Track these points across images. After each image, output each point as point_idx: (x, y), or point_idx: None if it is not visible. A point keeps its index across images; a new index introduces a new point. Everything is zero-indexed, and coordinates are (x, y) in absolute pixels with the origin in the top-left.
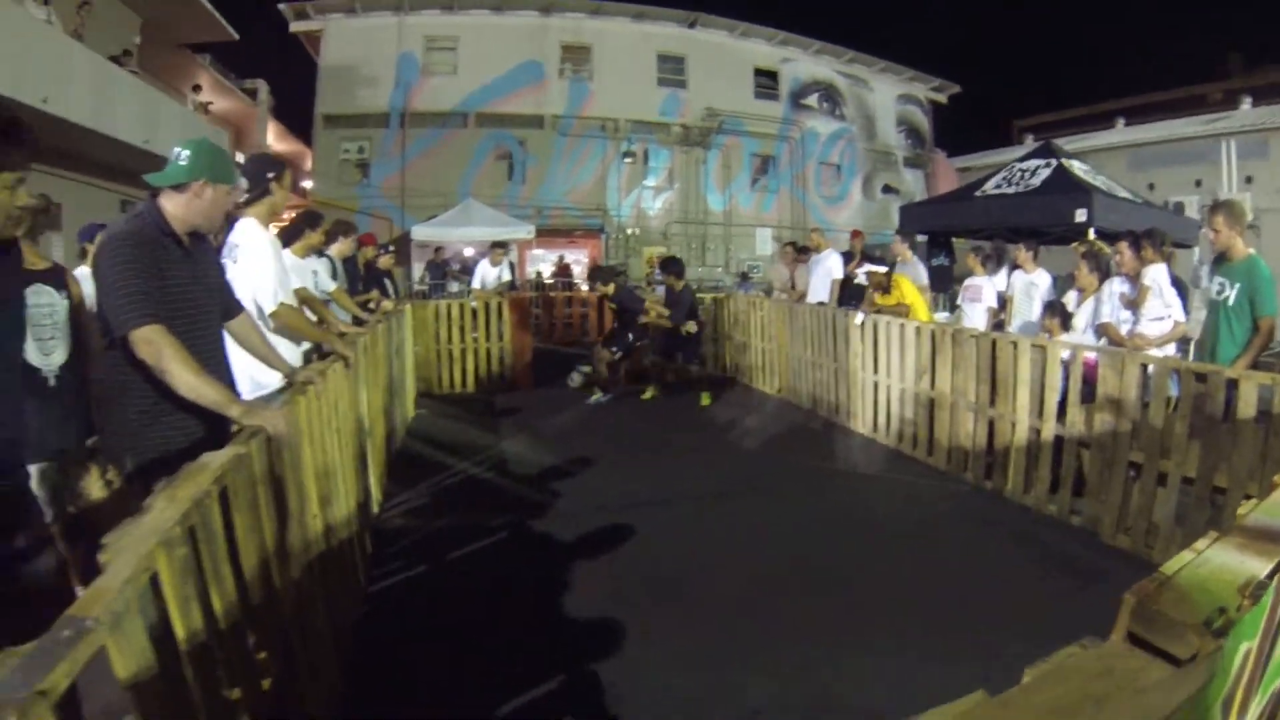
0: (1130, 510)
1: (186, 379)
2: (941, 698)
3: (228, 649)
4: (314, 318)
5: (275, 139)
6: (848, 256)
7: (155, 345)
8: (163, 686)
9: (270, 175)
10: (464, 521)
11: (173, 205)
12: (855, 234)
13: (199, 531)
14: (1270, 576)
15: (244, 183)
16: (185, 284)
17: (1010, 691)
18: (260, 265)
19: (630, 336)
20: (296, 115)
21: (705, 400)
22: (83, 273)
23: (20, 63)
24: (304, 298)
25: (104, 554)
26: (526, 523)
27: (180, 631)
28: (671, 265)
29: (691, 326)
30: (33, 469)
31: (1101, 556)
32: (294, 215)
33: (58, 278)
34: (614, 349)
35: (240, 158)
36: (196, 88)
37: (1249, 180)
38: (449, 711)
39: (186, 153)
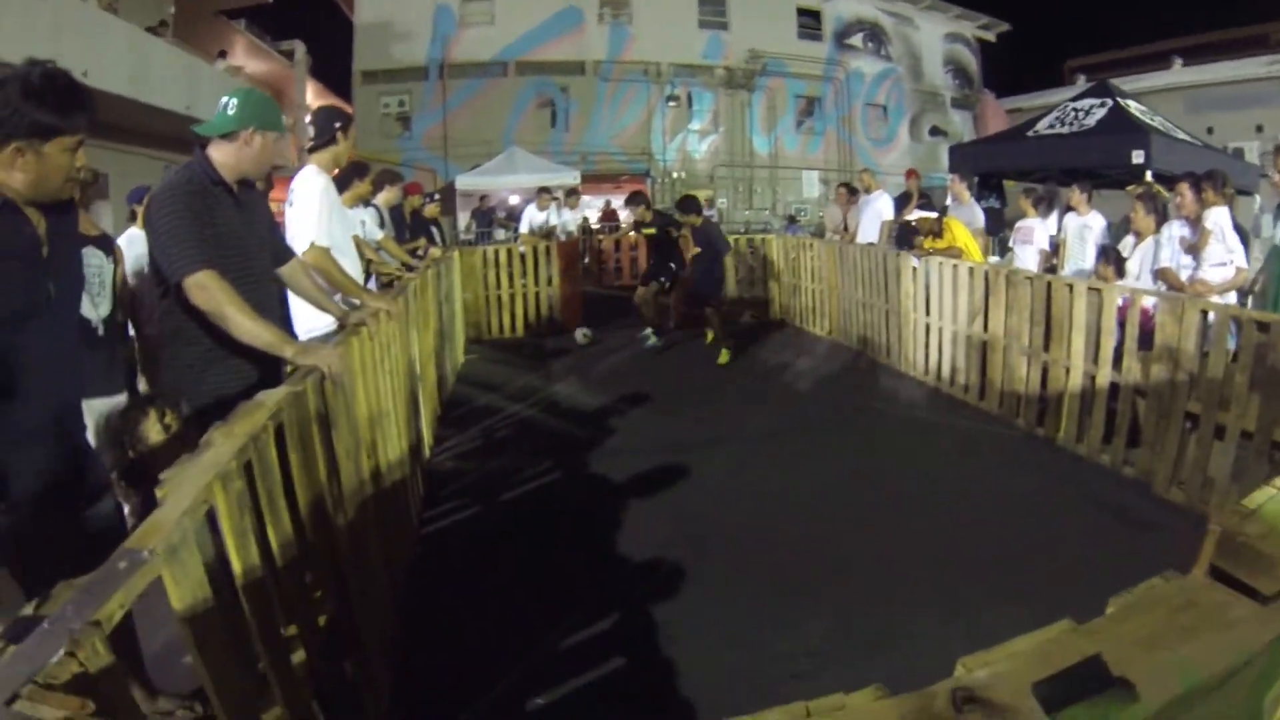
0: (1186, 463)
1: (242, 322)
2: (992, 635)
3: (284, 584)
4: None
5: (314, 98)
6: (904, 197)
7: (209, 291)
8: (218, 619)
9: (337, 125)
10: (515, 464)
11: (221, 154)
12: (911, 173)
13: (255, 467)
14: None
15: (310, 131)
16: (236, 231)
17: (1096, 621)
18: (305, 208)
19: (672, 265)
20: (334, 73)
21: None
22: (132, 234)
23: (58, 38)
24: (354, 244)
25: (161, 489)
26: (577, 464)
27: (237, 566)
28: (690, 205)
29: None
30: (88, 414)
31: (1154, 509)
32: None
33: (107, 244)
34: (661, 279)
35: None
36: (222, 53)
37: None
38: (501, 651)
39: (235, 101)
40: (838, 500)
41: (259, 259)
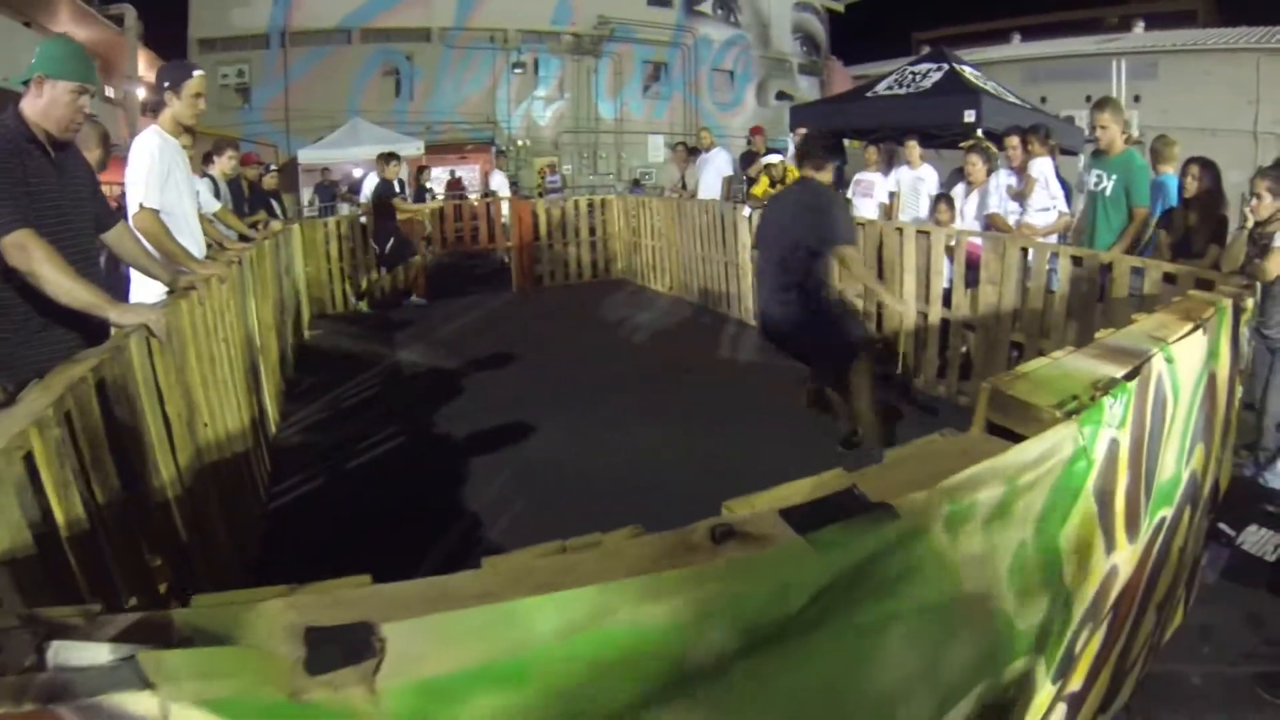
0: None
1: (59, 281)
2: None
3: (115, 543)
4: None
5: (146, 68)
6: (749, 155)
7: (26, 250)
8: (41, 571)
9: (165, 85)
10: (361, 432)
11: (27, 107)
12: (756, 130)
13: (75, 418)
14: (1128, 378)
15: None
16: (52, 192)
17: (869, 467)
18: (134, 169)
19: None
20: (169, 41)
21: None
22: None
23: None
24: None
25: None
26: (422, 428)
27: (59, 516)
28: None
29: None
30: None
31: None
32: None
33: None
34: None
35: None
36: (26, 24)
37: (1137, 99)
38: None
39: (37, 49)
40: (672, 444)
41: (78, 222)
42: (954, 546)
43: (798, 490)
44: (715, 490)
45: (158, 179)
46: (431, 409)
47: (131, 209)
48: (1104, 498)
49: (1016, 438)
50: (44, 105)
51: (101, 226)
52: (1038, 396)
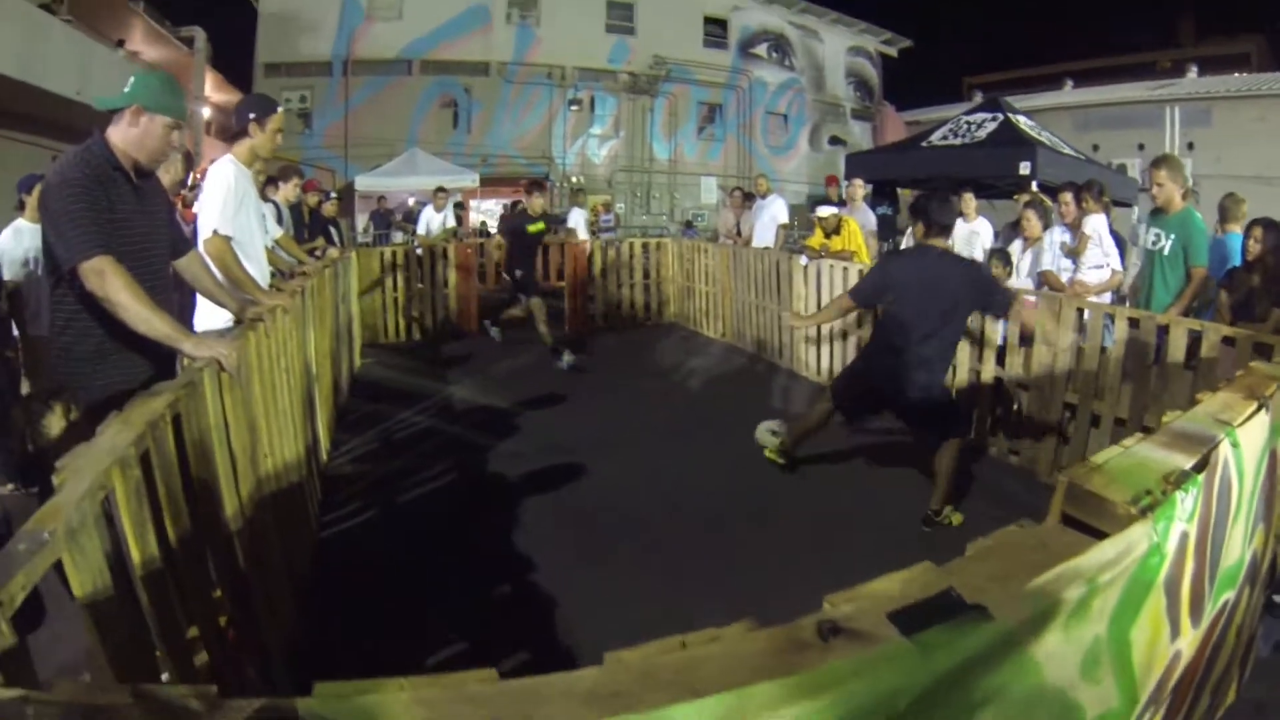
0: (1066, 450)
1: (136, 310)
2: None
3: (183, 579)
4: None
5: (213, 89)
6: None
7: (105, 276)
8: (120, 611)
9: (251, 116)
10: (413, 466)
11: (116, 135)
12: (831, 180)
13: (153, 456)
14: (1197, 469)
15: (205, 121)
16: (134, 219)
17: (954, 561)
18: (207, 197)
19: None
20: (236, 64)
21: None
22: (19, 226)
23: None
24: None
25: (58, 475)
26: (474, 466)
27: (135, 556)
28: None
29: None
30: None
31: (1035, 494)
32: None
33: None
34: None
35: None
36: (120, 42)
37: (1190, 147)
38: (401, 657)
39: (132, 79)
40: (728, 496)
41: (156, 250)
42: (1037, 644)
43: (889, 585)
44: (774, 542)
45: (232, 207)
46: (483, 446)
47: (204, 234)
48: (1172, 589)
49: (1090, 529)
50: (138, 136)
51: (175, 253)
52: (1113, 491)
